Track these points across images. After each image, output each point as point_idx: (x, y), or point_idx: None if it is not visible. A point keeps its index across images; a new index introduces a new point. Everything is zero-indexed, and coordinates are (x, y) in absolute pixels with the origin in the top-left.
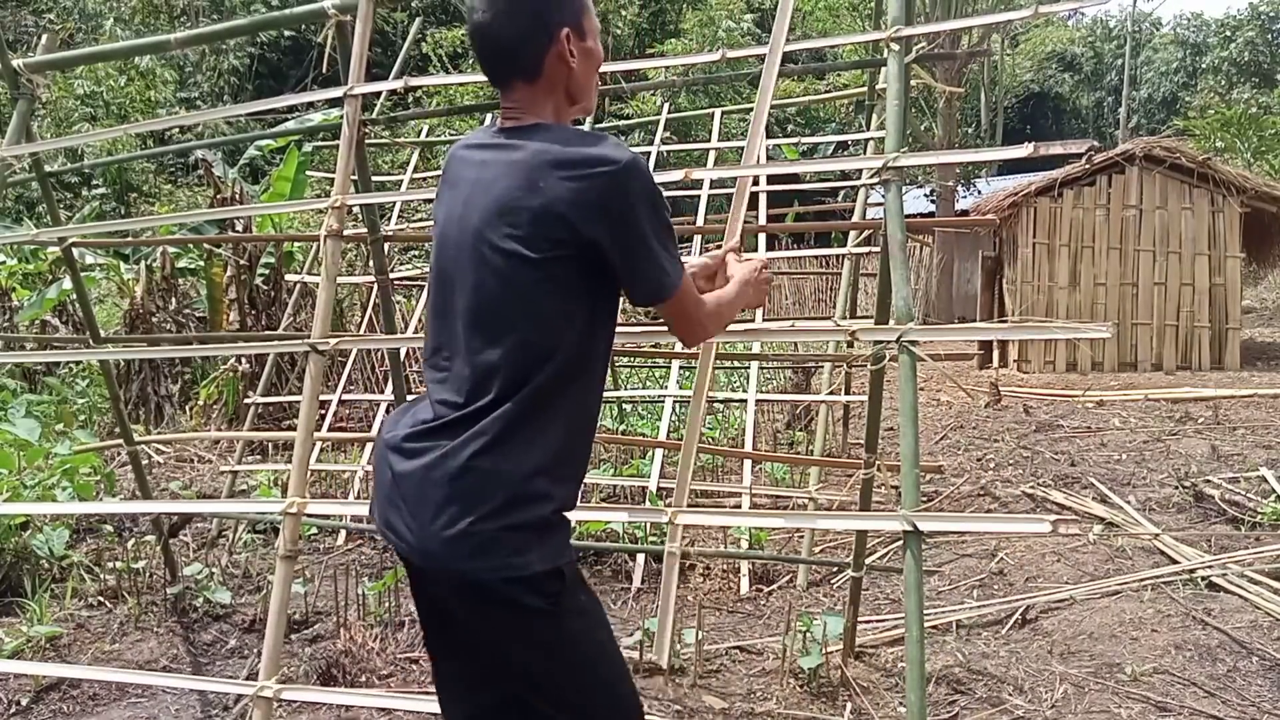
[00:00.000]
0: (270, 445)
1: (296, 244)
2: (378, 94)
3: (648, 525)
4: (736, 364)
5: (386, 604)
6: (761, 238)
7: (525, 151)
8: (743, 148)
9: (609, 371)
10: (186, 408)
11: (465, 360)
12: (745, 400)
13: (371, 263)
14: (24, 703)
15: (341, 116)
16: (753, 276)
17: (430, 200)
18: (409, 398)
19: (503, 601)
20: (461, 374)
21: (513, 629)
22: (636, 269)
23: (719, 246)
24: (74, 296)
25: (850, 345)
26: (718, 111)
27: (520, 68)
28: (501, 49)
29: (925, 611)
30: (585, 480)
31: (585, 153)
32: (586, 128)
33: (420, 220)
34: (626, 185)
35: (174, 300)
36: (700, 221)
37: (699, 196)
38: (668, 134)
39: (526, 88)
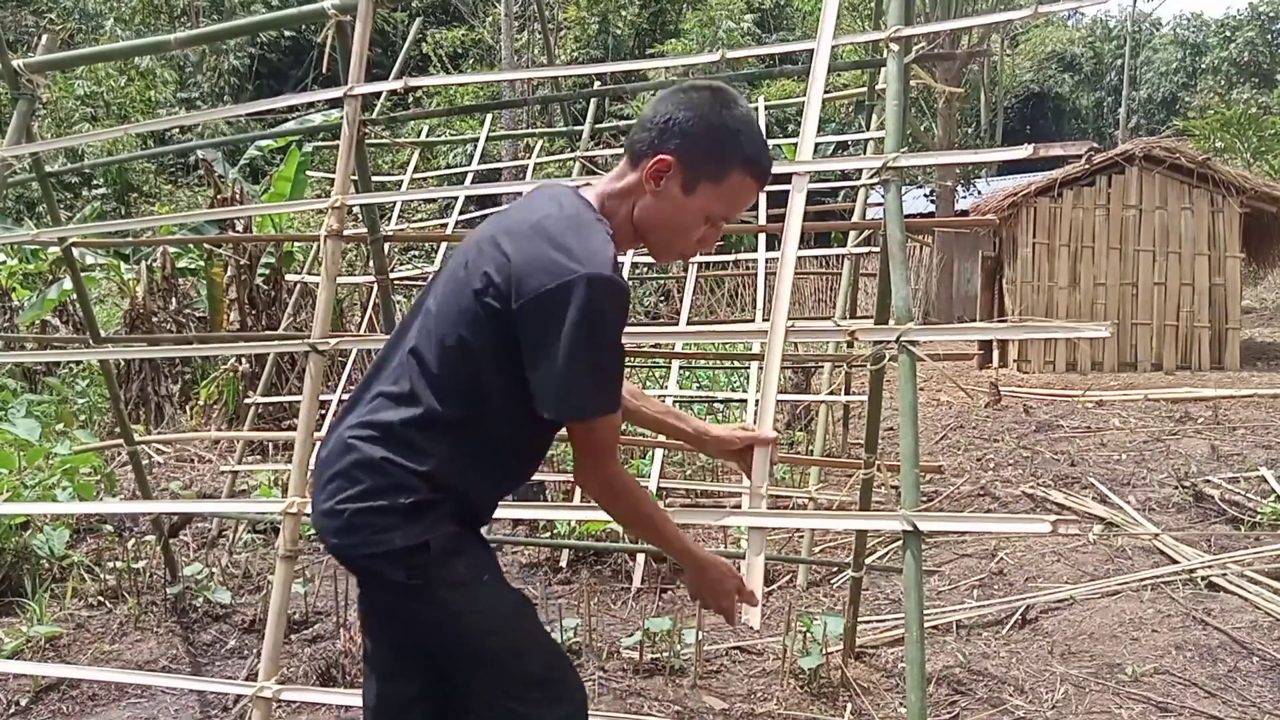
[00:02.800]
0: (270, 445)
1: (296, 244)
2: (378, 94)
3: None
4: (736, 364)
5: None
6: (761, 238)
7: (548, 208)
8: None
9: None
10: (186, 408)
11: (398, 349)
12: (745, 400)
13: (371, 263)
14: (24, 703)
15: (341, 116)
16: (715, 579)
17: (430, 200)
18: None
19: (372, 576)
20: (391, 361)
21: (393, 604)
22: (542, 374)
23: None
24: (74, 296)
25: (850, 345)
26: None
27: (633, 144)
28: (640, 120)
29: (925, 612)
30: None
31: (568, 242)
32: (587, 128)
33: (420, 220)
34: (573, 293)
35: (174, 300)
36: None
37: None
38: None
39: (624, 165)
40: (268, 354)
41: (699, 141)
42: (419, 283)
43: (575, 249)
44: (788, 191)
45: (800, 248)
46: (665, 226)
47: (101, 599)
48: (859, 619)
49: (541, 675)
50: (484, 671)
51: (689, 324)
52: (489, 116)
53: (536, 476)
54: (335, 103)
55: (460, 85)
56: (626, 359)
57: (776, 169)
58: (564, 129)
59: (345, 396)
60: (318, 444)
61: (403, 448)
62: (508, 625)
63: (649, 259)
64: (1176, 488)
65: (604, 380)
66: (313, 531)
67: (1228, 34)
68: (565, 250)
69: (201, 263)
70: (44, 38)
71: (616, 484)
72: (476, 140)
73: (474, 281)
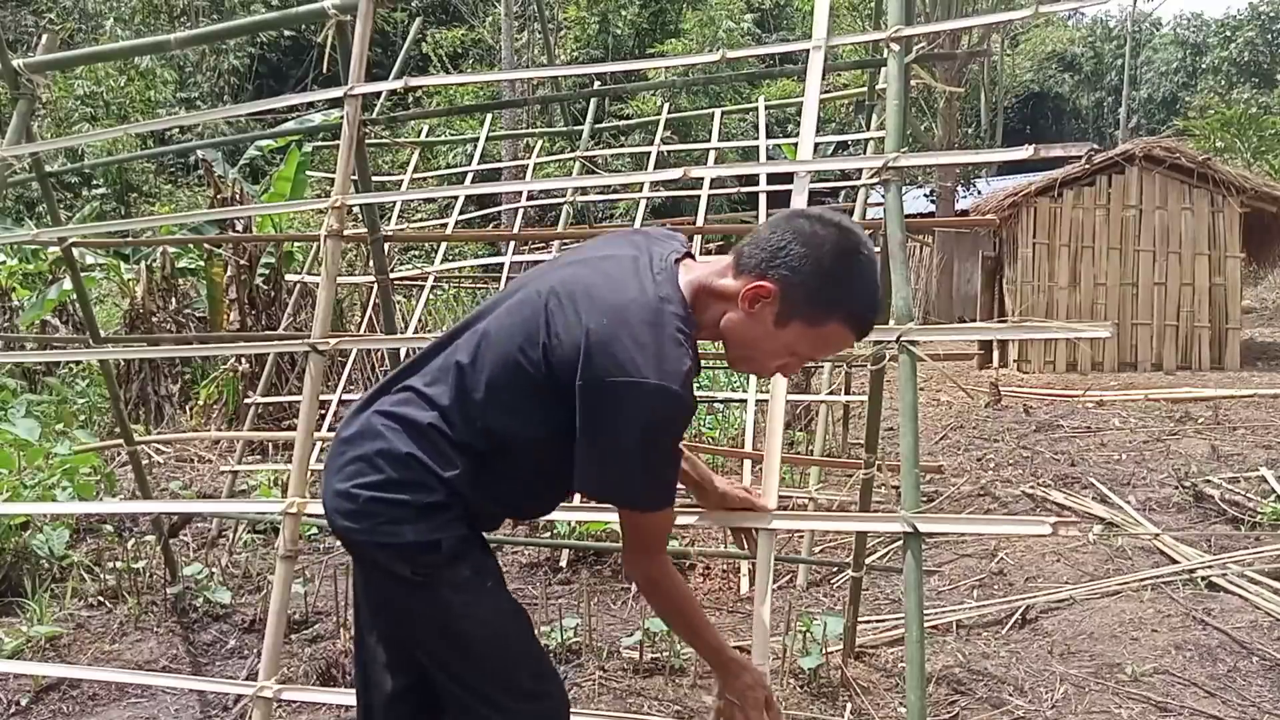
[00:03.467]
0: (270, 445)
1: (296, 244)
2: (378, 94)
3: None
4: None
5: None
6: None
7: (639, 286)
8: (743, 147)
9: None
10: (186, 408)
11: (443, 352)
12: (745, 400)
13: (371, 263)
14: (24, 703)
15: (341, 116)
16: (749, 684)
17: (429, 200)
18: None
19: (377, 565)
20: (432, 361)
21: (391, 597)
22: (590, 451)
23: (720, 250)
24: (74, 296)
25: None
26: (718, 111)
27: (740, 254)
28: (755, 233)
29: (925, 612)
30: None
31: (645, 340)
32: (587, 128)
33: (420, 220)
34: (636, 399)
35: (174, 300)
36: (700, 222)
37: (699, 196)
38: (668, 134)
39: (729, 265)
40: (268, 354)
41: (806, 281)
42: (419, 283)
43: (651, 351)
44: (788, 191)
45: None
46: (747, 346)
47: (101, 599)
48: (859, 619)
49: (529, 688)
50: (471, 676)
51: None
52: (489, 116)
53: None
54: (335, 103)
55: (460, 85)
56: None
57: (777, 168)
58: (564, 129)
59: (345, 397)
60: (318, 444)
61: (431, 449)
62: (503, 632)
63: None
64: (1177, 488)
65: (658, 478)
66: (313, 531)
67: (1228, 34)
68: (641, 348)
69: (201, 263)
70: (44, 38)
71: (659, 578)
72: (476, 140)
73: (543, 333)
